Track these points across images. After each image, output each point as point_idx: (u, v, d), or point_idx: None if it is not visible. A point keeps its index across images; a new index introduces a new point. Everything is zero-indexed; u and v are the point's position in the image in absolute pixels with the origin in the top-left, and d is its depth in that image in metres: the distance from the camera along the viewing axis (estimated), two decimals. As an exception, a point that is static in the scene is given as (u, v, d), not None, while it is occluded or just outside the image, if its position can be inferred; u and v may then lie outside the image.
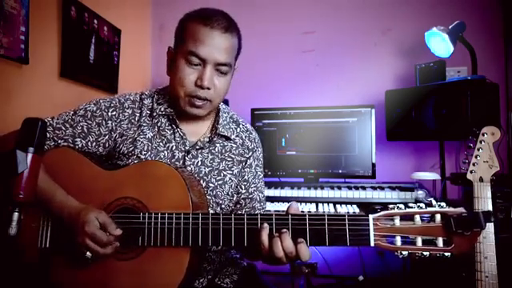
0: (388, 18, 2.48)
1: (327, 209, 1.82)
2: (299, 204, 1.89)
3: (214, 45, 1.05)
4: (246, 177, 1.22)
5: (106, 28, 2.22)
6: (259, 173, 1.27)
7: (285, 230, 0.89)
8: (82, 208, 0.97)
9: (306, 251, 0.88)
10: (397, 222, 0.87)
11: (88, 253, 0.93)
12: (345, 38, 2.54)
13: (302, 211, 1.73)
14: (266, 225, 0.90)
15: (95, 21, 2.13)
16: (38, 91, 1.76)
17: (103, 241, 0.93)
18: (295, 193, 1.95)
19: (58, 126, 1.11)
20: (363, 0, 2.52)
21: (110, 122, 1.13)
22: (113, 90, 2.32)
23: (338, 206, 1.85)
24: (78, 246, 0.94)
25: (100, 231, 0.93)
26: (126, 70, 2.46)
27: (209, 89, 1.07)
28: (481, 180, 1.37)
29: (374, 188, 1.93)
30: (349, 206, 1.84)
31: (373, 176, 2.08)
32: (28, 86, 1.69)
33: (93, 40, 2.11)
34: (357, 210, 1.78)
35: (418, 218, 0.86)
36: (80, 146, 1.11)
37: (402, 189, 1.87)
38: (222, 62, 1.07)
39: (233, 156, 1.20)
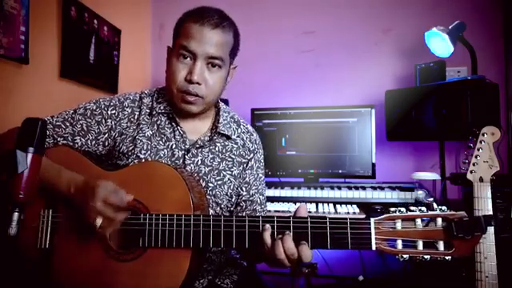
0: (388, 17, 2.48)
1: (327, 209, 1.82)
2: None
3: (205, 39, 1.05)
4: (247, 179, 1.21)
5: (106, 28, 2.22)
6: (260, 175, 1.26)
7: (288, 232, 0.89)
8: (90, 177, 0.96)
9: (308, 252, 0.88)
10: (398, 225, 0.87)
11: (98, 220, 0.90)
12: (345, 37, 2.54)
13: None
14: (267, 226, 0.90)
15: (95, 21, 2.13)
16: (38, 91, 1.75)
17: (116, 202, 0.90)
18: (295, 193, 1.95)
19: (57, 123, 1.11)
20: (363, 0, 2.52)
21: (109, 120, 1.13)
22: (113, 90, 2.32)
23: (338, 206, 1.85)
24: (88, 212, 0.91)
25: (112, 193, 0.91)
26: (126, 70, 2.46)
27: (199, 84, 1.06)
28: (481, 180, 1.37)
29: (373, 188, 1.93)
30: (349, 206, 1.84)
31: (373, 176, 2.08)
32: (28, 86, 1.69)
33: (93, 40, 2.11)
34: (357, 210, 1.78)
35: (419, 221, 0.86)
36: (79, 144, 1.11)
37: (401, 189, 1.87)
38: (213, 54, 1.06)
39: (233, 156, 1.19)
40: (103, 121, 1.13)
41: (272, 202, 1.93)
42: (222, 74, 1.11)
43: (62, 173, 1.00)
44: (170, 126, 1.15)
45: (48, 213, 1.03)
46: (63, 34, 1.89)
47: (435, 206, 0.86)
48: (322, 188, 1.93)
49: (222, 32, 1.07)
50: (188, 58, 1.06)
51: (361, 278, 2.20)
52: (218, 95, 1.14)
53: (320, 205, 1.87)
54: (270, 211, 1.77)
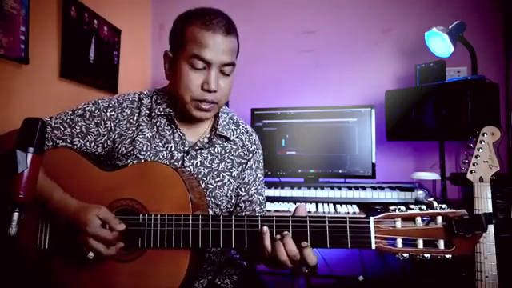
0: (388, 17, 2.48)
1: (327, 209, 1.82)
2: (299, 204, 1.89)
3: (219, 47, 1.04)
4: (246, 179, 1.21)
5: (106, 28, 2.22)
6: (259, 175, 1.25)
7: (286, 232, 0.89)
8: (80, 207, 0.96)
9: (312, 255, 0.87)
10: (398, 223, 0.86)
11: (90, 253, 0.92)
12: (345, 37, 2.54)
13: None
14: (265, 228, 0.89)
15: (95, 21, 2.13)
16: (38, 91, 1.75)
17: (108, 239, 0.92)
18: (295, 193, 1.95)
19: (56, 125, 1.10)
20: (363, 0, 2.52)
21: (108, 122, 1.13)
22: (113, 90, 2.32)
23: (338, 206, 1.85)
24: (80, 246, 0.93)
25: (103, 230, 0.92)
26: (126, 70, 2.46)
27: (215, 91, 1.06)
28: (481, 180, 1.37)
29: (373, 188, 1.93)
30: (349, 206, 1.84)
31: (373, 176, 2.07)
32: (28, 86, 1.69)
33: (93, 40, 2.11)
34: (357, 210, 1.78)
35: (419, 219, 0.86)
36: (78, 146, 1.11)
37: (401, 189, 1.87)
38: (227, 61, 1.06)
39: (232, 157, 1.19)
40: (102, 122, 1.12)
41: (272, 202, 1.93)
42: (232, 77, 1.11)
43: (55, 192, 1.00)
44: (169, 127, 1.15)
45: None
46: (63, 34, 1.89)
47: (435, 204, 0.86)
48: (322, 188, 1.93)
49: (232, 38, 1.07)
50: (202, 67, 1.05)
51: (361, 278, 2.20)
52: (228, 98, 1.15)
53: (320, 205, 1.87)
54: (269, 211, 1.77)
